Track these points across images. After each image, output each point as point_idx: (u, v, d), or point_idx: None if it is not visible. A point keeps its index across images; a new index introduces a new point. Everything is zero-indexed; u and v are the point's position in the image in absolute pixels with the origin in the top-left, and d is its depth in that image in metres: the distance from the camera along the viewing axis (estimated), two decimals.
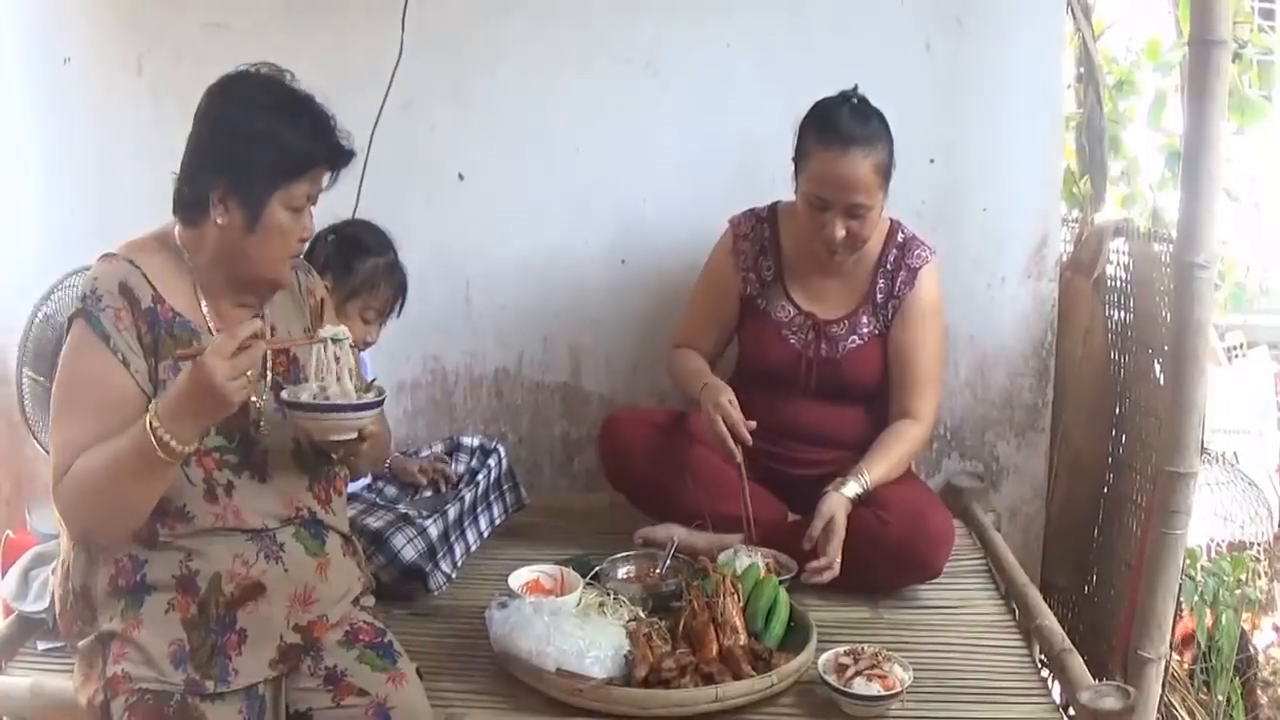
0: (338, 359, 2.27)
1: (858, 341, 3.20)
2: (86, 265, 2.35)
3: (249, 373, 2.08)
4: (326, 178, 2.30)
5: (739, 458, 3.03)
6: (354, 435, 2.25)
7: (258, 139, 2.19)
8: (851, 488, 3.02)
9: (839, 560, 2.94)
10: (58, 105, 3.63)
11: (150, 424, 2.06)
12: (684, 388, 3.28)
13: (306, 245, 2.36)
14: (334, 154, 2.27)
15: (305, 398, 2.24)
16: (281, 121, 2.20)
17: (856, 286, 3.23)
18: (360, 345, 3.05)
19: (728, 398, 3.06)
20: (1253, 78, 4.31)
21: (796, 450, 3.21)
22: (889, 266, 3.20)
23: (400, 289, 3.10)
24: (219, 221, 2.22)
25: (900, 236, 3.22)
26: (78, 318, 2.21)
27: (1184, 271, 2.56)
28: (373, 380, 2.39)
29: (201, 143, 2.24)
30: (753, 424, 3.03)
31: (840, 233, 3.02)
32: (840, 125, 3.00)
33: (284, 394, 2.25)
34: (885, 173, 3.02)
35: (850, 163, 2.97)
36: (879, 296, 3.20)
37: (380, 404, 2.30)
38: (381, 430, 2.40)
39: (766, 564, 2.95)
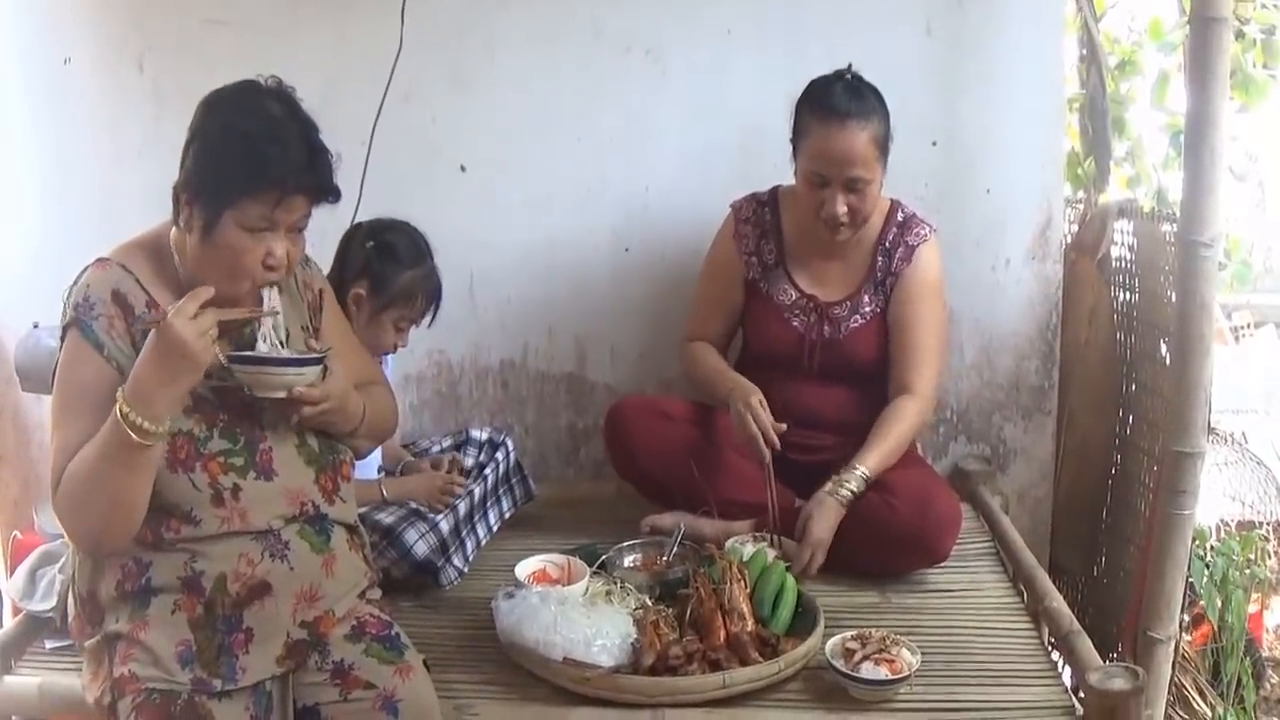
0: (274, 329, 2.27)
1: (860, 321, 3.20)
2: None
3: (211, 332, 2.09)
4: (301, 207, 2.22)
5: (768, 459, 3.03)
6: (282, 393, 2.23)
7: (223, 148, 2.16)
8: (848, 490, 3.01)
9: (818, 562, 2.97)
10: (59, 105, 3.63)
11: (120, 410, 2.06)
12: (706, 386, 3.27)
13: (276, 274, 2.25)
14: (303, 185, 2.19)
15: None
16: (255, 136, 2.15)
17: (858, 267, 3.23)
18: (390, 350, 3.07)
19: (758, 399, 3.06)
20: (1256, 55, 4.28)
21: (802, 436, 3.19)
22: (888, 245, 3.20)
23: (435, 296, 3.09)
24: (181, 224, 2.22)
25: (900, 215, 3.22)
26: (70, 327, 2.21)
27: (1188, 251, 2.57)
28: (325, 351, 2.36)
29: (186, 143, 2.22)
30: (782, 427, 3.03)
31: (841, 209, 3.02)
32: (835, 100, 3.00)
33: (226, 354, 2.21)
34: (883, 146, 3.02)
35: (847, 136, 2.97)
36: (879, 275, 3.20)
37: (305, 363, 2.26)
38: (348, 404, 2.39)
39: (774, 555, 2.95)
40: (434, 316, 3.12)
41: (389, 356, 3.15)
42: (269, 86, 2.24)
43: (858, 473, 3.02)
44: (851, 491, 3.00)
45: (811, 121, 3.04)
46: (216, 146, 2.17)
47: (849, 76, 3.05)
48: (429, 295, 3.07)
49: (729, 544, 2.97)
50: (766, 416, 3.03)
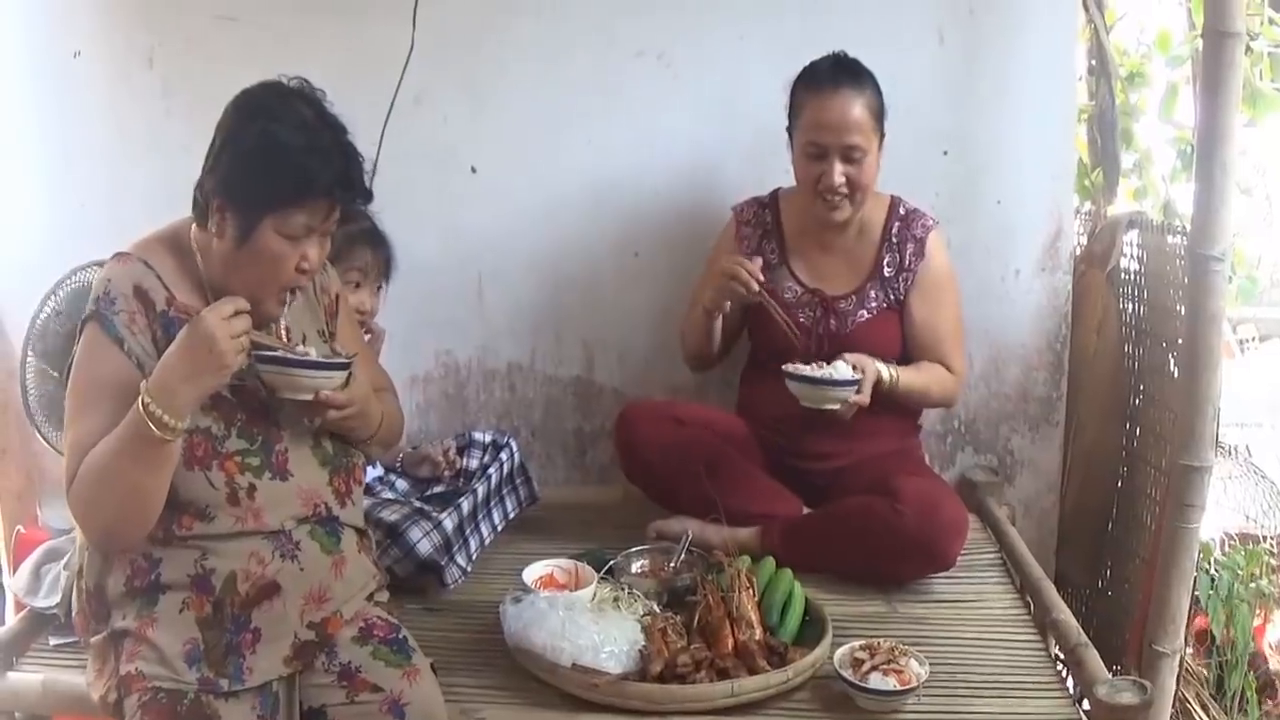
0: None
1: (866, 315, 3.21)
2: (96, 260, 2.32)
3: (242, 339, 2.10)
4: (336, 213, 2.24)
5: (756, 287, 3.05)
6: (309, 396, 2.25)
7: (261, 157, 2.15)
8: (885, 371, 3.06)
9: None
10: (68, 99, 3.61)
11: (143, 402, 2.05)
12: (694, 324, 3.29)
13: (308, 277, 2.28)
14: (343, 191, 2.21)
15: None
16: (292, 146, 2.15)
17: (862, 261, 3.24)
18: (358, 313, 3.06)
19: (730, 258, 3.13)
20: (1264, 70, 4.29)
21: (810, 443, 3.20)
22: (894, 240, 3.21)
23: (377, 250, 3.11)
24: (213, 230, 2.21)
25: (902, 210, 3.24)
26: (90, 321, 2.20)
27: (1198, 264, 2.56)
28: (353, 355, 2.38)
29: (214, 146, 2.21)
30: (759, 260, 3.10)
31: (839, 178, 3.03)
32: (827, 72, 3.06)
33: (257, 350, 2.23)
34: (877, 116, 3.05)
35: (841, 101, 3.01)
36: (887, 270, 3.21)
37: (334, 366, 2.28)
38: (369, 408, 2.42)
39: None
40: (388, 271, 3.15)
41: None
42: (296, 88, 2.24)
43: (893, 371, 3.08)
44: (882, 375, 3.05)
45: (806, 95, 3.08)
46: (252, 153, 2.16)
47: (839, 54, 3.10)
48: (368, 247, 3.08)
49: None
50: (739, 258, 3.09)
